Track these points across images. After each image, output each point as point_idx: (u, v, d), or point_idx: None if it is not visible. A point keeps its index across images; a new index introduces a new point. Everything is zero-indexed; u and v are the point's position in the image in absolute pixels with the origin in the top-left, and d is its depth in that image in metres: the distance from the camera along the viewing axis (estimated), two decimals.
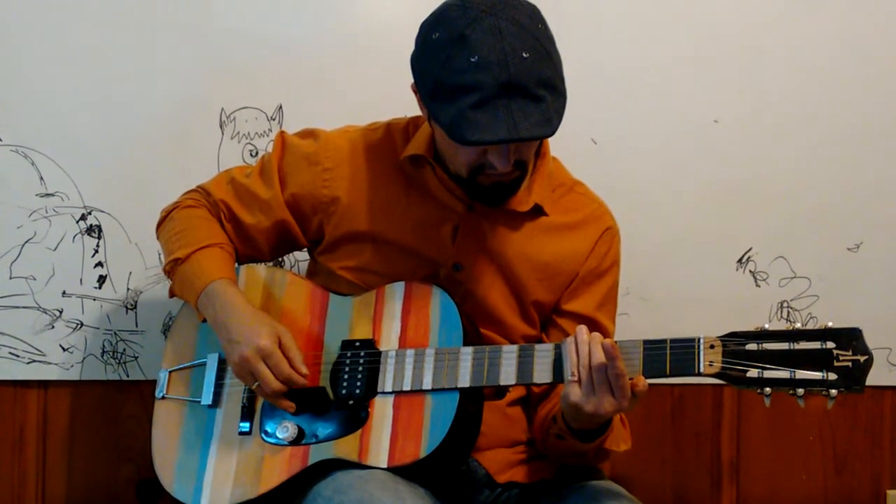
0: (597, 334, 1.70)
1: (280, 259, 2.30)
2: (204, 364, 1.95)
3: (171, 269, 1.96)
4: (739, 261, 2.45)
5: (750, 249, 2.45)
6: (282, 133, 2.03)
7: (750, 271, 2.45)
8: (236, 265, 1.99)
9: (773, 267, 2.46)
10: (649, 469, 2.46)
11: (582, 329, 1.71)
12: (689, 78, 2.42)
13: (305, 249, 2.07)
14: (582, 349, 1.69)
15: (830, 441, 2.50)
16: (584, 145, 2.39)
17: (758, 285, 2.45)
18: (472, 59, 1.67)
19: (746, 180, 2.44)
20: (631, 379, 1.67)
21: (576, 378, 1.69)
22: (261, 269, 2.00)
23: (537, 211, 1.93)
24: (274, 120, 2.34)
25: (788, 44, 2.43)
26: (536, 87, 1.67)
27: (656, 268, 2.42)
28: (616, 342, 1.68)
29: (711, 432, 2.49)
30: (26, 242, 2.31)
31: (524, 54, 1.67)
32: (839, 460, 2.51)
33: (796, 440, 2.50)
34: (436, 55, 1.71)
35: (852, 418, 2.50)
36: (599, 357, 1.67)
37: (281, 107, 2.34)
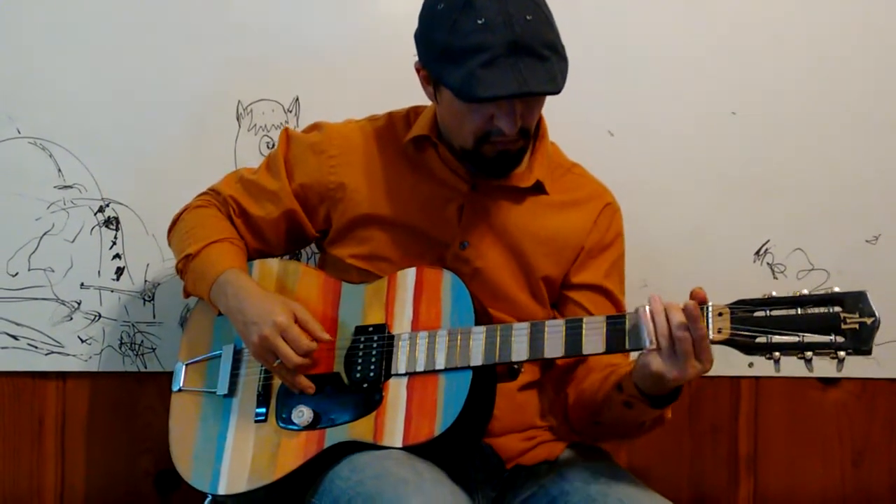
0: (673, 302, 1.70)
1: (297, 252, 2.30)
2: (219, 356, 1.96)
3: (184, 266, 1.99)
4: (757, 253, 2.44)
5: (767, 242, 2.44)
6: (286, 129, 2.07)
7: (767, 263, 2.44)
8: (248, 261, 2.00)
9: (790, 259, 2.45)
10: (666, 462, 2.45)
11: (655, 298, 1.71)
12: (707, 70, 2.41)
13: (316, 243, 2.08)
14: (659, 319, 1.68)
15: (848, 434, 2.49)
16: (601, 137, 2.39)
17: (775, 277, 2.44)
18: (479, 21, 1.74)
19: (764, 172, 2.43)
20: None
21: (655, 347, 1.68)
22: (273, 263, 2.02)
23: (538, 188, 1.96)
24: (290, 112, 2.34)
25: (807, 35, 2.42)
26: (541, 47, 1.75)
27: (673, 259, 2.40)
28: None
29: (728, 425, 2.48)
30: (45, 234, 2.32)
31: (528, 16, 1.75)
32: (857, 453, 2.49)
33: (814, 433, 2.48)
34: (442, 22, 1.78)
35: (870, 411, 2.48)
36: (681, 319, 1.66)
37: (297, 99, 2.35)
